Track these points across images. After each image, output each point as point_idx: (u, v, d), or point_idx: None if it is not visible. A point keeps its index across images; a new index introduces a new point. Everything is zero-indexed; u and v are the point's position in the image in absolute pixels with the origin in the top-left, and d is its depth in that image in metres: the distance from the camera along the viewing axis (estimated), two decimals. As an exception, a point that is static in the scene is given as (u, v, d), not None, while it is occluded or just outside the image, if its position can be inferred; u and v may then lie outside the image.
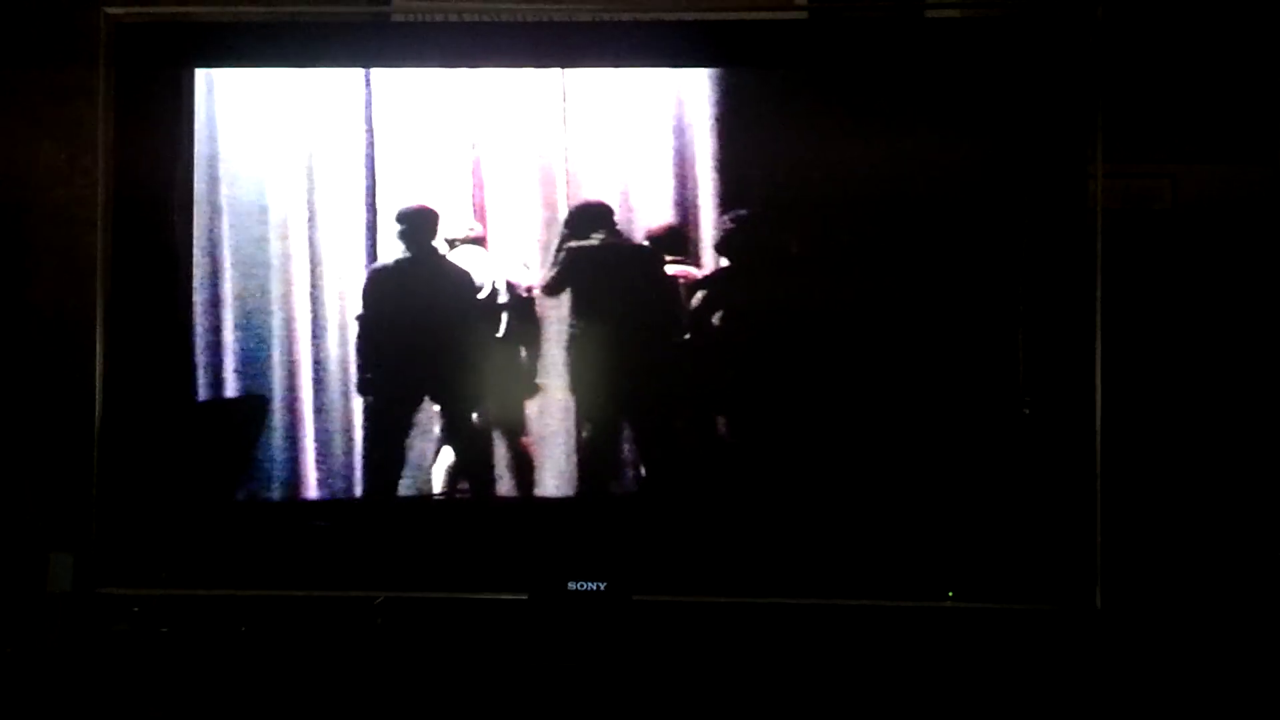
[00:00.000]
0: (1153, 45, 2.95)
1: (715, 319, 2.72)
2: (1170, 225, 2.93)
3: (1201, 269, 2.92)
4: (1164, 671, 2.84)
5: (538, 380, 2.72)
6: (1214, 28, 2.96)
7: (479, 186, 2.74)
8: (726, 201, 2.71)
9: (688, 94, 2.72)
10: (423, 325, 2.74)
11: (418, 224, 2.74)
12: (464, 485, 2.74)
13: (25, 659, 2.91)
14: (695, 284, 2.72)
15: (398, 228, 2.73)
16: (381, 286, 2.73)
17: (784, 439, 2.70)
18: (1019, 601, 2.61)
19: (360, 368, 2.72)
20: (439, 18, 2.90)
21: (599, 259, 2.72)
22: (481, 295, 2.73)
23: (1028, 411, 2.64)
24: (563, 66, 2.72)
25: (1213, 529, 2.89)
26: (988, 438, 2.66)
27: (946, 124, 2.68)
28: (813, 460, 2.69)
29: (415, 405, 2.73)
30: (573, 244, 2.72)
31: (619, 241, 2.72)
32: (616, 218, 2.72)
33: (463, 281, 2.74)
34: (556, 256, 2.72)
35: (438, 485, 2.74)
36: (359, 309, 2.73)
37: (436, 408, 2.73)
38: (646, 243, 2.72)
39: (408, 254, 2.74)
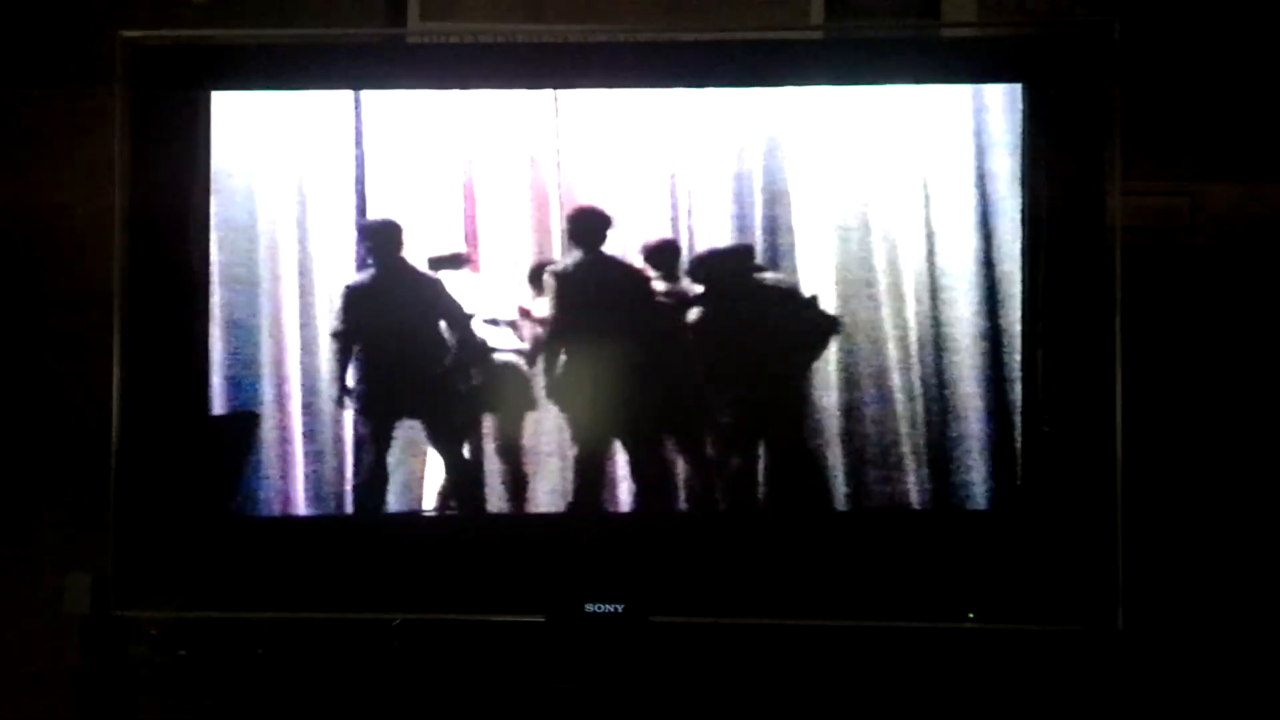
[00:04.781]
0: (1171, 64, 2.95)
1: (712, 336, 2.71)
2: (1189, 243, 2.92)
3: (1221, 286, 2.91)
4: (1186, 693, 2.82)
5: (546, 398, 2.71)
6: (1232, 47, 2.95)
7: (471, 203, 2.74)
8: (724, 220, 2.70)
9: (713, 114, 2.71)
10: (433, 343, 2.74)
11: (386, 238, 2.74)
12: (478, 505, 2.72)
13: (44, 681, 2.92)
14: (689, 300, 2.72)
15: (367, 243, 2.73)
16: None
17: (801, 458, 2.69)
18: (1040, 622, 2.59)
19: (346, 386, 2.73)
20: (454, 39, 2.91)
21: (595, 277, 2.71)
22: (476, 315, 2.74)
23: (1047, 430, 2.63)
24: (588, 87, 2.71)
25: (1236, 549, 2.87)
26: (1006, 456, 2.65)
27: (963, 141, 2.68)
28: (831, 479, 2.68)
29: (414, 424, 2.73)
30: (565, 263, 2.71)
31: (612, 259, 2.71)
32: (609, 235, 2.70)
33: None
34: (549, 275, 2.71)
35: (449, 505, 2.73)
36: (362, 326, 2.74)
37: (442, 426, 2.73)
38: (639, 261, 2.71)
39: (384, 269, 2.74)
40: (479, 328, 2.73)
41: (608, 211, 2.71)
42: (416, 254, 2.72)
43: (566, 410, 2.71)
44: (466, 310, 2.72)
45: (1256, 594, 2.87)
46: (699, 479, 2.71)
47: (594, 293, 2.72)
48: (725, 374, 2.71)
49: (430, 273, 2.73)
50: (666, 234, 2.71)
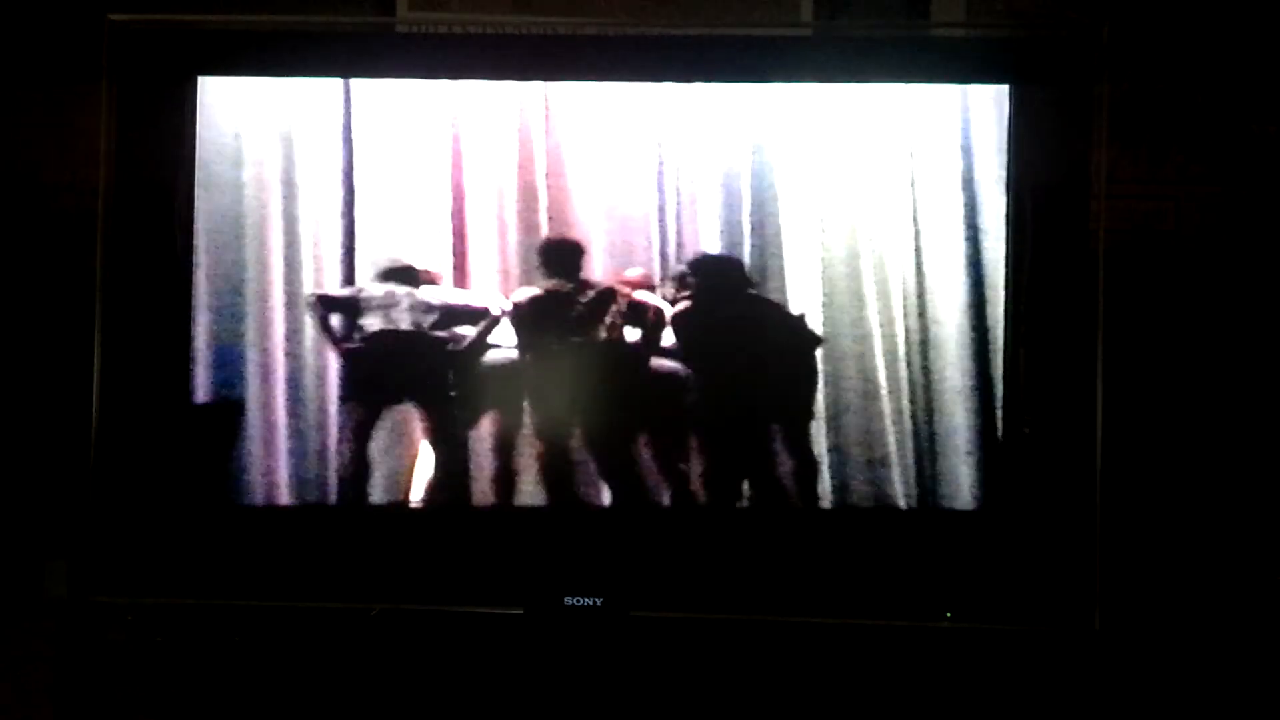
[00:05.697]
0: (1158, 67, 2.96)
1: (695, 333, 2.71)
2: (1174, 245, 2.93)
3: (1204, 289, 2.92)
4: (1162, 693, 2.83)
5: (528, 394, 2.71)
6: (1219, 50, 2.96)
7: (458, 194, 2.74)
8: (710, 215, 2.71)
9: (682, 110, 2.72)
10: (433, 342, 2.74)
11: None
12: (458, 497, 2.72)
13: (20, 666, 2.91)
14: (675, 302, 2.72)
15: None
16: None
17: (784, 455, 2.70)
18: (1018, 622, 2.60)
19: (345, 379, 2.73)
20: (443, 29, 2.91)
21: (576, 290, 2.72)
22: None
23: (1028, 431, 2.64)
24: (575, 80, 2.71)
25: (1213, 551, 2.88)
26: (988, 456, 2.66)
27: (949, 141, 2.69)
28: (813, 476, 2.69)
29: (399, 417, 2.73)
30: (545, 286, 2.72)
31: (590, 282, 2.72)
32: (583, 263, 2.71)
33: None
34: (529, 297, 2.71)
35: (434, 496, 2.73)
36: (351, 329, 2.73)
37: (432, 420, 2.72)
38: (620, 262, 2.72)
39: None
40: (462, 323, 2.73)
41: (580, 240, 2.71)
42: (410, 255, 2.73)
43: (549, 406, 2.71)
44: (450, 306, 2.72)
45: (1233, 595, 2.88)
46: (681, 474, 2.71)
47: (576, 301, 2.72)
48: (709, 370, 2.71)
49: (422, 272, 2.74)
50: (645, 237, 2.72)
